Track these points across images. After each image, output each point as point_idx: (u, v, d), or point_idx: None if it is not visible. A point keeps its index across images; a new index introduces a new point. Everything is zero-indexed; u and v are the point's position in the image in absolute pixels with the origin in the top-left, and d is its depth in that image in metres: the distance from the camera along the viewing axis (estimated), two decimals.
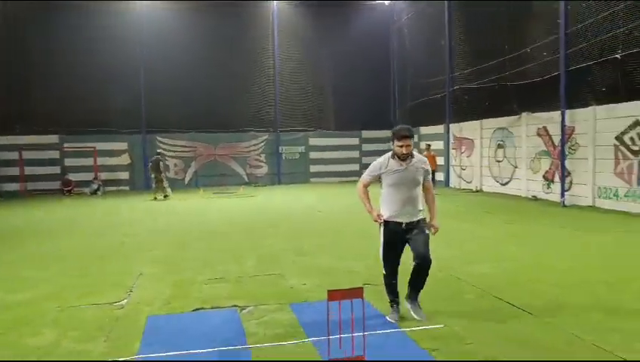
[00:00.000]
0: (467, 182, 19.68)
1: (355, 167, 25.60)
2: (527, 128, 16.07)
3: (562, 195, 13.96)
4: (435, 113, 21.20)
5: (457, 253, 7.85)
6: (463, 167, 20.02)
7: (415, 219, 4.83)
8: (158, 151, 20.06)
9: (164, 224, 12.13)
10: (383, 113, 25.45)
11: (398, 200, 4.79)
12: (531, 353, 4.07)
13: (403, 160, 4.77)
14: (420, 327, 4.67)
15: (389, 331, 4.62)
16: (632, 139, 12.09)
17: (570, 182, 14.09)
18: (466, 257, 7.59)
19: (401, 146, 4.74)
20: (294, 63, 24.55)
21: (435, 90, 21.05)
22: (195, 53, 22.49)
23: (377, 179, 4.89)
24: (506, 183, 17.37)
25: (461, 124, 19.97)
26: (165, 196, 18.29)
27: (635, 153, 12.02)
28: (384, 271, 4.95)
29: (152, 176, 18.53)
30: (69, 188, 21.18)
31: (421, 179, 4.87)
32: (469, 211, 13.30)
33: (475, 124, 18.90)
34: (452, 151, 20.73)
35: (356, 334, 3.73)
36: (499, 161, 17.80)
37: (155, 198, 18.06)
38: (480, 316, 4.99)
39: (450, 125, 20.67)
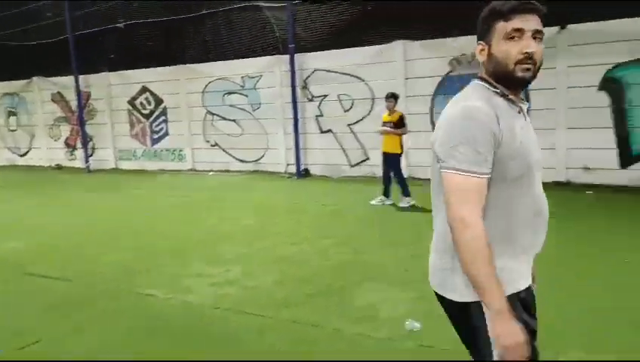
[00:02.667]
0: None
1: None
2: (42, 93, 15.18)
3: (87, 161, 14.09)
4: None
5: None
6: None
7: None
8: None
9: None
10: None
11: (527, 218, 1.60)
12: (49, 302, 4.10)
13: (519, 88, 1.59)
14: None
15: None
16: (142, 103, 13.38)
17: (94, 147, 14.37)
18: None
19: (520, 33, 1.50)
20: None
21: None
22: None
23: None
24: (25, 153, 16.01)
25: None
26: None
27: (146, 116, 13.38)
28: None
29: None
30: None
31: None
32: None
33: None
34: None
35: None
36: (13, 130, 16.12)
37: None
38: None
39: None
